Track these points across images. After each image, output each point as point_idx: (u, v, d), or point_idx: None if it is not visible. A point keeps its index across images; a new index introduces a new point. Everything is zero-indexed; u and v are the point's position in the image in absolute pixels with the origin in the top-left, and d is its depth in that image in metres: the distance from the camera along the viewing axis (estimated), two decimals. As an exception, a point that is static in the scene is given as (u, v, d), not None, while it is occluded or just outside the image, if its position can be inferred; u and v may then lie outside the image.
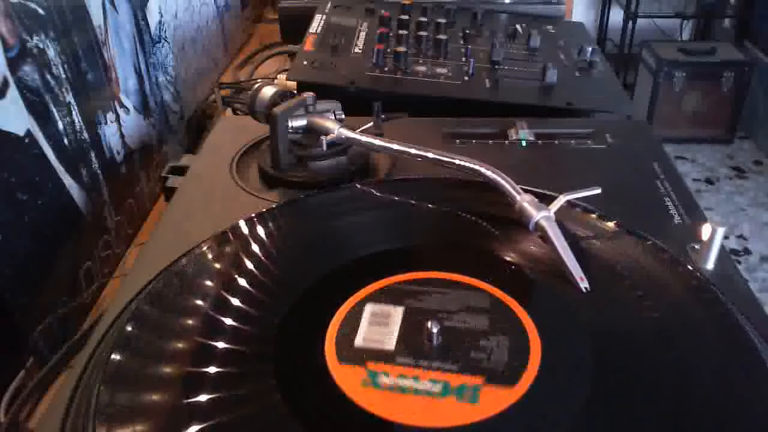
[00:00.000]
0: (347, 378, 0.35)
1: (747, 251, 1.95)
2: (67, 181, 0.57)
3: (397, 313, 0.39)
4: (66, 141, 0.57)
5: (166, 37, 0.82)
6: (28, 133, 0.51)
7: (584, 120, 0.68)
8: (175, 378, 0.36)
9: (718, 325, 0.39)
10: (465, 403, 0.34)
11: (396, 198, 0.51)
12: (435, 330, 0.37)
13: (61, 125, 0.56)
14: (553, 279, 0.42)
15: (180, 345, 0.38)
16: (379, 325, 0.39)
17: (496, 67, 0.75)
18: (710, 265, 0.45)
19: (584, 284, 0.41)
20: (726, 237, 0.45)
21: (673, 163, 0.58)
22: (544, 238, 0.43)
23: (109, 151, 0.65)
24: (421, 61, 0.75)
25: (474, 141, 0.62)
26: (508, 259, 0.44)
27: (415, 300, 0.40)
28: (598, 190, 0.47)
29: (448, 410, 0.33)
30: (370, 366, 0.36)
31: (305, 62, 0.74)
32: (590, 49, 0.80)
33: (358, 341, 0.38)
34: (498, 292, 0.41)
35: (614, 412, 0.34)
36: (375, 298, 0.41)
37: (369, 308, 0.40)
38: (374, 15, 0.88)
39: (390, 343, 0.37)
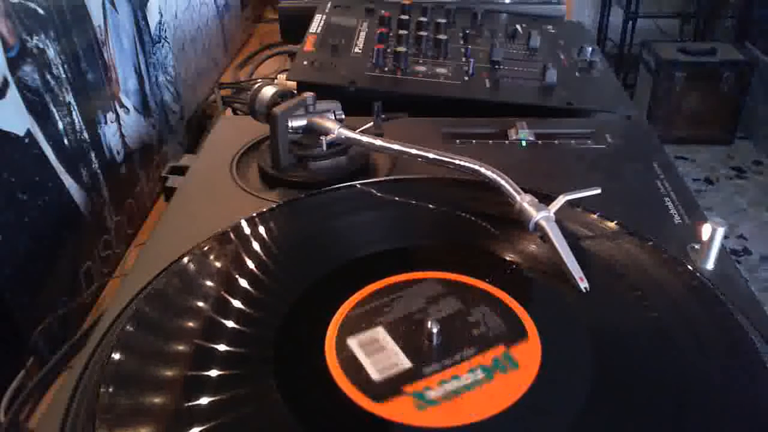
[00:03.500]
0: (398, 412, 0.33)
1: (747, 251, 1.95)
2: (67, 181, 0.57)
3: (381, 333, 0.38)
4: (66, 141, 0.57)
5: (166, 37, 0.82)
6: (28, 133, 0.51)
7: (584, 120, 0.68)
8: (175, 378, 0.36)
9: (718, 325, 0.39)
10: (510, 372, 0.35)
11: (396, 198, 0.51)
12: (435, 330, 0.37)
13: (61, 125, 0.56)
14: (553, 279, 0.42)
15: (180, 345, 0.38)
16: (377, 352, 0.37)
17: (496, 67, 0.75)
18: (710, 265, 0.45)
19: (584, 284, 0.41)
20: (726, 237, 0.45)
21: (673, 163, 0.58)
22: (544, 238, 0.43)
23: (109, 151, 0.65)
24: (421, 61, 0.75)
25: (474, 141, 0.62)
26: (508, 259, 0.44)
27: (384, 314, 0.39)
28: (598, 191, 0.47)
29: (505, 387, 0.34)
30: (408, 389, 0.34)
31: (305, 62, 0.74)
32: (590, 49, 0.80)
33: (376, 376, 0.35)
34: (497, 291, 0.41)
35: (614, 412, 0.34)
36: (351, 329, 0.39)
37: (354, 343, 0.38)
38: (374, 15, 0.88)
39: (403, 361, 0.36)
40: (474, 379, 0.35)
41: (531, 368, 0.35)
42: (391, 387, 0.35)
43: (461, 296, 0.40)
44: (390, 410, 0.33)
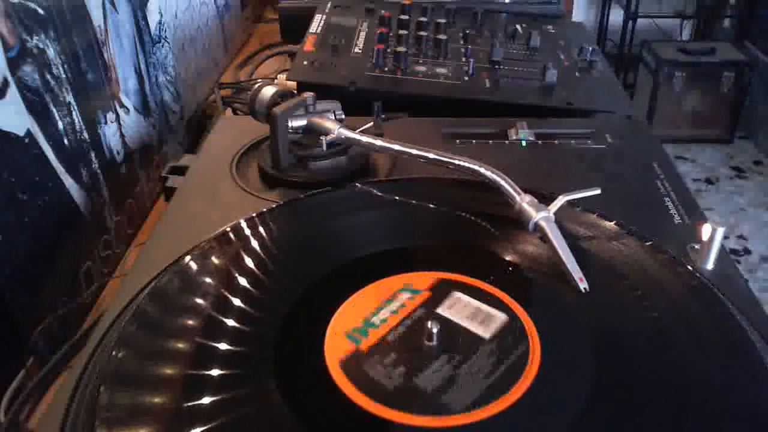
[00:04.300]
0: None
1: (747, 251, 1.95)
2: (67, 181, 0.57)
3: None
4: (66, 141, 0.57)
5: (166, 37, 0.82)
6: (28, 133, 0.51)
7: (584, 120, 0.68)
8: (175, 378, 0.36)
9: (718, 325, 0.39)
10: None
11: (396, 198, 0.51)
12: (435, 330, 0.37)
13: (61, 125, 0.56)
14: (553, 279, 0.42)
15: (180, 345, 0.38)
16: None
17: (496, 67, 0.75)
18: (710, 265, 0.45)
19: (583, 285, 0.41)
20: (726, 237, 0.45)
21: (673, 163, 0.58)
22: (544, 238, 0.43)
23: (109, 151, 0.65)
24: (421, 61, 0.75)
25: (474, 141, 0.62)
26: (508, 259, 0.44)
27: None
28: (598, 191, 0.47)
29: None
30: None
31: (305, 62, 0.74)
32: (590, 49, 0.80)
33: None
34: (497, 291, 0.41)
35: (614, 412, 0.34)
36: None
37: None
38: (374, 15, 0.88)
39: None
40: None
41: (531, 368, 0.35)
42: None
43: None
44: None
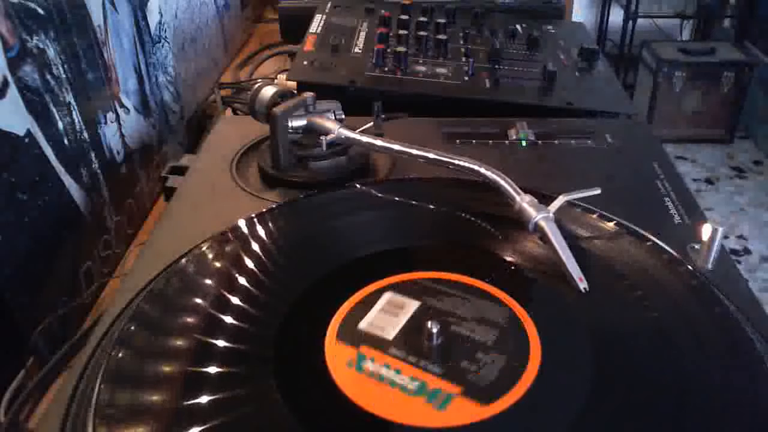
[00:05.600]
0: (338, 355, 0.36)
1: (747, 251, 1.95)
2: (67, 181, 0.57)
3: (411, 306, 0.40)
4: (66, 141, 0.57)
5: (166, 37, 0.82)
6: (28, 133, 0.51)
7: (584, 120, 0.68)
8: (175, 378, 0.36)
9: (718, 325, 0.39)
10: (432, 407, 0.33)
11: (396, 198, 0.51)
12: (435, 330, 0.37)
13: (61, 125, 0.56)
14: (553, 279, 0.42)
15: (180, 345, 0.38)
16: (390, 314, 0.39)
17: (496, 67, 0.75)
18: (710, 265, 0.45)
19: (583, 285, 0.41)
20: (726, 237, 0.45)
21: (673, 163, 0.58)
22: (544, 238, 0.43)
23: (109, 151, 0.65)
24: (421, 61, 0.75)
25: (474, 141, 0.62)
26: (508, 259, 0.44)
27: (434, 299, 0.40)
28: (598, 191, 0.47)
29: (414, 409, 0.33)
30: (363, 350, 0.37)
31: (305, 62, 0.74)
32: (590, 49, 0.80)
33: (363, 324, 0.38)
34: (497, 292, 0.41)
35: (614, 412, 0.34)
36: (397, 288, 0.41)
37: (387, 296, 0.41)
38: (374, 15, 0.88)
39: (391, 333, 0.38)
40: (404, 383, 0.35)
41: (531, 368, 0.35)
42: (358, 338, 0.38)
43: (504, 338, 0.39)
44: (334, 351, 0.37)
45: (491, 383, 0.35)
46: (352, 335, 0.38)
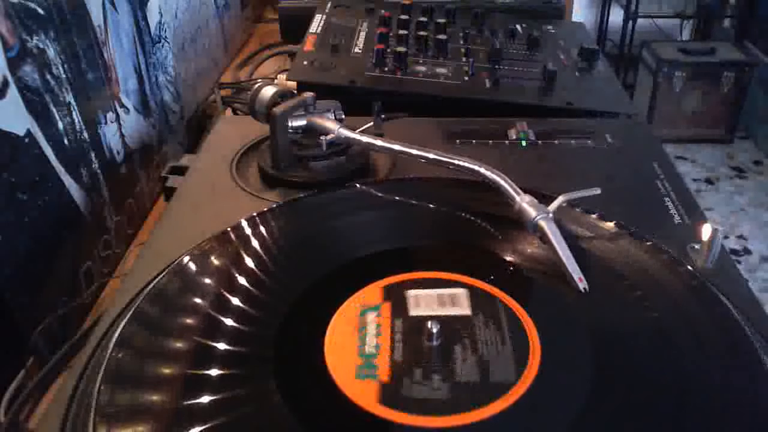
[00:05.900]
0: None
1: (747, 251, 1.95)
2: (67, 181, 0.57)
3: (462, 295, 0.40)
4: (66, 141, 0.57)
5: (166, 37, 0.82)
6: (28, 133, 0.51)
7: (584, 120, 0.68)
8: (175, 378, 0.36)
9: (718, 325, 0.39)
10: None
11: (396, 198, 0.51)
12: (435, 330, 0.37)
13: (61, 125, 0.56)
14: (553, 279, 0.42)
15: (180, 345, 0.38)
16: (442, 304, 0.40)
17: (496, 67, 0.75)
18: (710, 265, 0.45)
19: (583, 285, 0.41)
20: (726, 237, 0.45)
21: (673, 163, 0.58)
22: (544, 238, 0.43)
23: (109, 151, 0.65)
24: (421, 61, 0.75)
25: (474, 141, 0.62)
26: (508, 259, 0.44)
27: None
28: (598, 191, 0.47)
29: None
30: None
31: (305, 62, 0.74)
32: (590, 49, 0.80)
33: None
34: (497, 291, 0.41)
35: (614, 412, 0.34)
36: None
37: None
38: (374, 15, 0.88)
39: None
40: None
41: (531, 368, 0.35)
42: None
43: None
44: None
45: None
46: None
